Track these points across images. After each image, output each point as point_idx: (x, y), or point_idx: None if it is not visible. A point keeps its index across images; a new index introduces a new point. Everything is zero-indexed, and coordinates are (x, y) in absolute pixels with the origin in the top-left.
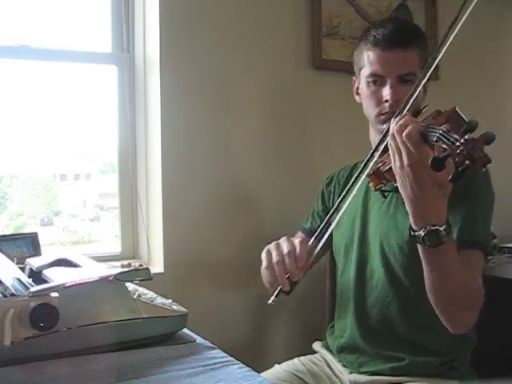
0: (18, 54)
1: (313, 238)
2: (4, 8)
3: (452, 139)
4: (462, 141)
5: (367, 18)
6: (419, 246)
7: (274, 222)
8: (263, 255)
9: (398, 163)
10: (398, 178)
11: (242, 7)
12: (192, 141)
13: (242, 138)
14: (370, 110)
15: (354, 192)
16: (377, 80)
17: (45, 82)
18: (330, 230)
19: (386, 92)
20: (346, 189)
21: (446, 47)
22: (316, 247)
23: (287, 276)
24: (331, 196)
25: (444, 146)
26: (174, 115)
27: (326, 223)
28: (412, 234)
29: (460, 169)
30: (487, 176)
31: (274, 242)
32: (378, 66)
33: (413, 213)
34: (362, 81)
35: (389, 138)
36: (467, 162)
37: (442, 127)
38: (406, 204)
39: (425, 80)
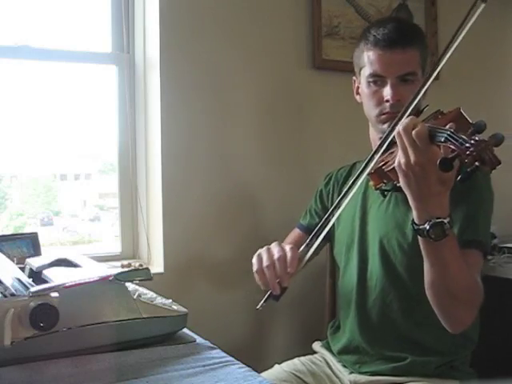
0: (18, 54)
1: (310, 236)
2: (4, 8)
3: (460, 140)
4: (472, 142)
5: (367, 18)
6: (422, 241)
7: (273, 221)
8: (254, 259)
9: (403, 161)
10: (402, 175)
11: (242, 7)
12: (192, 141)
13: (242, 137)
14: (370, 109)
15: (354, 191)
16: (377, 80)
17: (45, 82)
18: (327, 229)
19: (387, 92)
20: (347, 187)
21: (451, 51)
22: (307, 253)
23: (277, 281)
24: (329, 195)
25: (452, 146)
26: (173, 115)
27: (324, 221)
28: (416, 228)
29: (469, 170)
30: (487, 177)
31: (265, 247)
32: (378, 65)
33: (417, 208)
34: (363, 81)
35: (396, 137)
36: (477, 163)
37: (448, 127)
38: (410, 200)
39: (428, 84)
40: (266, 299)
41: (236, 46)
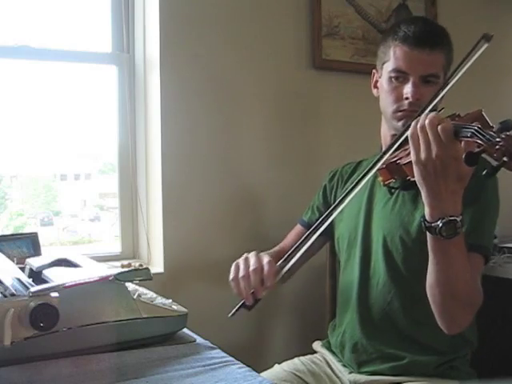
0: (18, 54)
1: (308, 232)
2: (4, 8)
3: (488, 136)
4: (503, 136)
5: (367, 18)
6: (431, 238)
7: (274, 221)
8: (232, 268)
9: (424, 155)
10: (420, 170)
11: (242, 7)
12: (192, 141)
13: (242, 137)
14: (387, 105)
15: (360, 187)
16: (399, 76)
17: (45, 82)
18: (325, 225)
19: (408, 89)
20: (353, 183)
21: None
22: (284, 267)
23: (251, 291)
24: (333, 191)
25: (479, 141)
26: (173, 115)
27: (324, 217)
28: (427, 225)
29: (496, 165)
30: (495, 183)
31: (244, 256)
32: (403, 62)
33: (431, 204)
34: (384, 75)
35: (418, 131)
36: (505, 158)
37: (474, 124)
38: (424, 197)
39: (448, 88)
40: (238, 308)
41: (236, 45)
